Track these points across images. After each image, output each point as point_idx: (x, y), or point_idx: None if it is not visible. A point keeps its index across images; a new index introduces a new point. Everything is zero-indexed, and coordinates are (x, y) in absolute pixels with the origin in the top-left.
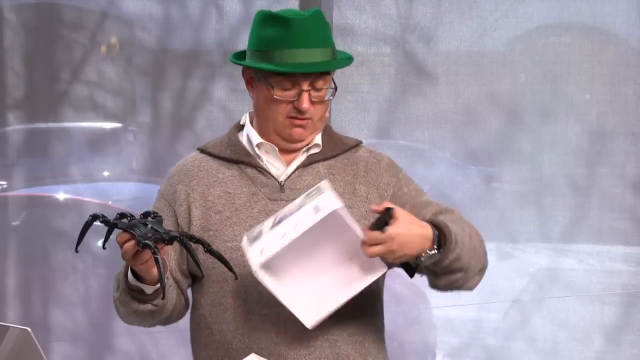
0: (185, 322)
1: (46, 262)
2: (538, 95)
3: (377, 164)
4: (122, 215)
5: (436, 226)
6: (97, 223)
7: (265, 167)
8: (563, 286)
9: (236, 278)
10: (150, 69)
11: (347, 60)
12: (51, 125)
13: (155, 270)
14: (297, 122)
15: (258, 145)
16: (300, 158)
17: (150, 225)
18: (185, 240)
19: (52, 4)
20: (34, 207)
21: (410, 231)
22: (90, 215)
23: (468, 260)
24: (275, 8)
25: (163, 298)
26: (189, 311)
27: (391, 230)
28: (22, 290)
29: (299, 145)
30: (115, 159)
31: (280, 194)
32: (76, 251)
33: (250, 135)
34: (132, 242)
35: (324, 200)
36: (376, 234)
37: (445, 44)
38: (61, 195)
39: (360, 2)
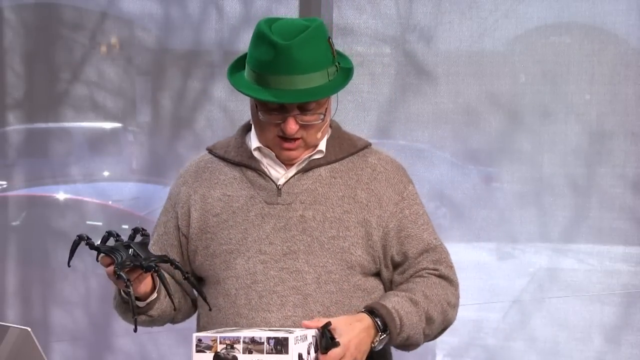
0: (185, 322)
1: (46, 262)
2: (538, 95)
3: (384, 173)
4: (109, 233)
5: (376, 312)
6: (96, 223)
7: (264, 170)
8: (563, 286)
9: (210, 309)
10: (150, 69)
11: (342, 82)
12: (51, 125)
13: (141, 289)
14: (286, 144)
15: (257, 149)
16: (302, 162)
17: (132, 249)
18: (160, 271)
19: (52, 4)
20: (34, 207)
21: (355, 331)
22: (77, 235)
23: (419, 336)
24: (275, 8)
25: (135, 329)
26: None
27: (343, 340)
28: (22, 290)
29: (294, 162)
30: (115, 159)
31: (277, 197)
32: (68, 265)
33: (252, 138)
34: (112, 268)
35: None
36: (336, 352)
37: (445, 44)
38: (61, 195)
39: (360, 2)
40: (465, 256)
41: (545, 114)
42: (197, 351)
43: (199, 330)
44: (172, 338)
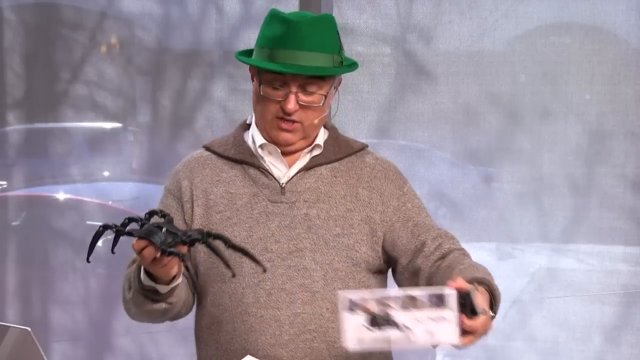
0: (185, 321)
1: (46, 262)
2: (538, 95)
3: (383, 172)
4: (130, 219)
5: (489, 290)
6: (96, 223)
7: (267, 168)
8: (563, 286)
9: (264, 271)
10: (150, 68)
11: (346, 67)
12: (51, 125)
13: (173, 271)
14: (284, 125)
15: (261, 146)
16: (303, 160)
17: (164, 229)
18: (209, 240)
19: (51, 4)
20: (34, 207)
21: (487, 307)
22: (100, 226)
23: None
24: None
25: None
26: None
27: (482, 319)
28: (22, 290)
29: (290, 148)
30: (115, 159)
31: (281, 196)
32: (88, 261)
33: (254, 136)
34: (151, 249)
35: (444, 331)
36: (475, 325)
37: (445, 44)
38: (61, 195)
39: (360, 2)
40: None
41: (545, 114)
42: (348, 311)
43: (199, 329)
44: (172, 338)
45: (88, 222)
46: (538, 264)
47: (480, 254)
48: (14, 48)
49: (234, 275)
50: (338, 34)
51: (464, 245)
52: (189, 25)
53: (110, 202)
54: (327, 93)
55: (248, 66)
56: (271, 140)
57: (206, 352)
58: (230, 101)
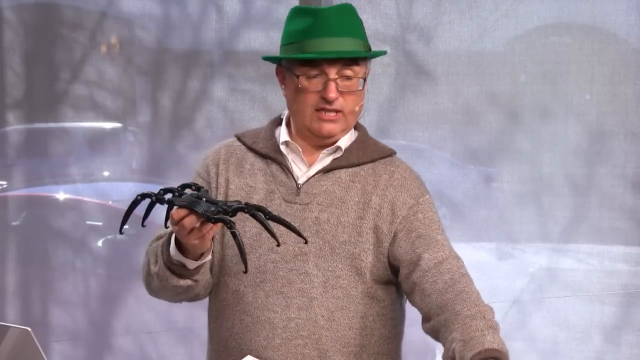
0: (185, 321)
1: (46, 262)
2: (538, 95)
3: (401, 180)
4: (166, 190)
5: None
6: (96, 223)
7: (289, 166)
8: (563, 286)
9: (306, 242)
10: (150, 68)
11: (377, 52)
12: (51, 125)
13: (208, 243)
14: (327, 116)
15: (284, 144)
16: (323, 162)
17: (204, 199)
18: (253, 210)
19: (51, 4)
20: (34, 207)
21: None
22: (138, 195)
23: None
24: (275, 9)
25: (246, 271)
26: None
27: None
28: (22, 290)
29: (330, 140)
30: (115, 159)
31: (295, 196)
32: (120, 232)
33: (280, 133)
34: (192, 218)
35: None
36: None
37: (445, 44)
38: (61, 195)
39: (360, 2)
40: (465, 256)
41: (545, 114)
42: None
43: (208, 323)
44: (172, 338)
45: (88, 222)
46: (538, 264)
47: (480, 254)
48: (14, 48)
49: (278, 245)
50: (361, 22)
51: (463, 245)
52: (189, 25)
53: (110, 202)
54: (364, 77)
55: (248, 67)
56: (313, 133)
57: (211, 346)
58: (230, 101)
